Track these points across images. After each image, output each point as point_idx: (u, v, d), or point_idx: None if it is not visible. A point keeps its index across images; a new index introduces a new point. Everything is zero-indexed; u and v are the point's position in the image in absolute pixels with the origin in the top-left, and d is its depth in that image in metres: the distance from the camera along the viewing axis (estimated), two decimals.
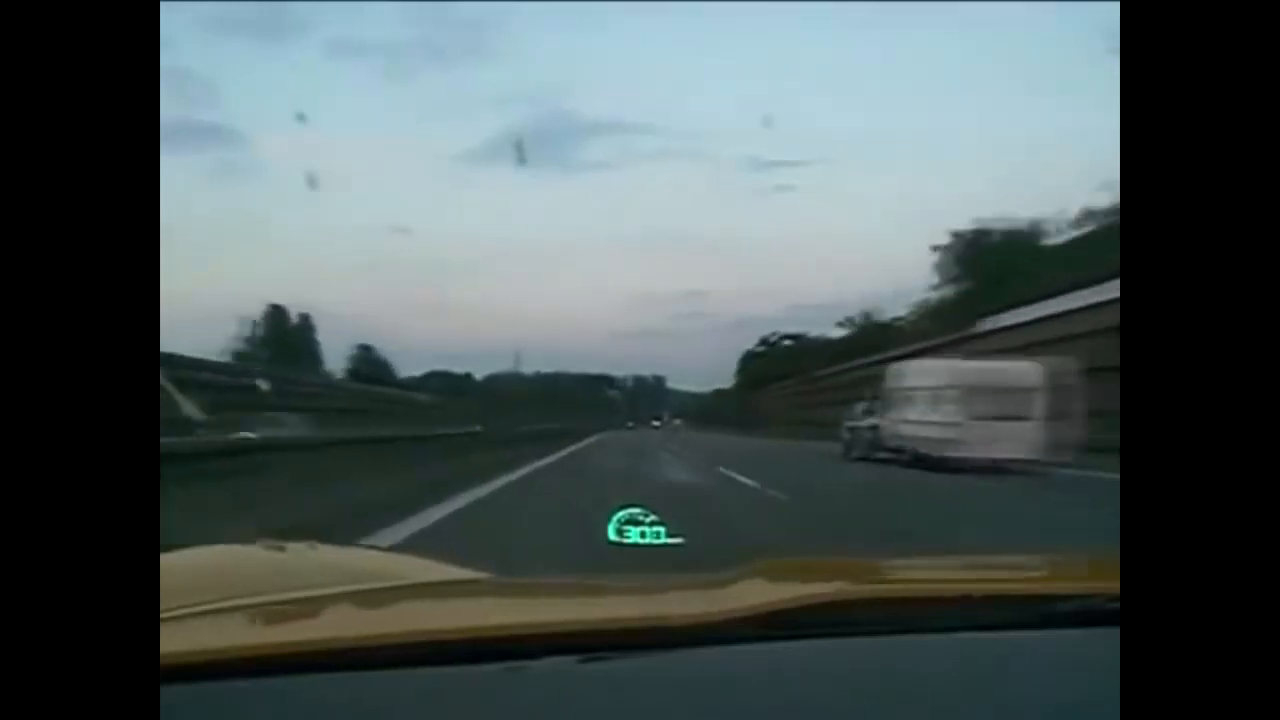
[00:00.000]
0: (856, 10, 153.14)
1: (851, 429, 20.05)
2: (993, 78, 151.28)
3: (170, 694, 0.68)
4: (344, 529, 5.91)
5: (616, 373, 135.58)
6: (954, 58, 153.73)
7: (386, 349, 76.86)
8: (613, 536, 1.59)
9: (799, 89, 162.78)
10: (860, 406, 19.95)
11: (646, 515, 1.61)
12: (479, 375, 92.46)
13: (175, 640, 0.76)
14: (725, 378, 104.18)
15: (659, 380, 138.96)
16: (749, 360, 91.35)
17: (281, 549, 1.42)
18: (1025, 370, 14.94)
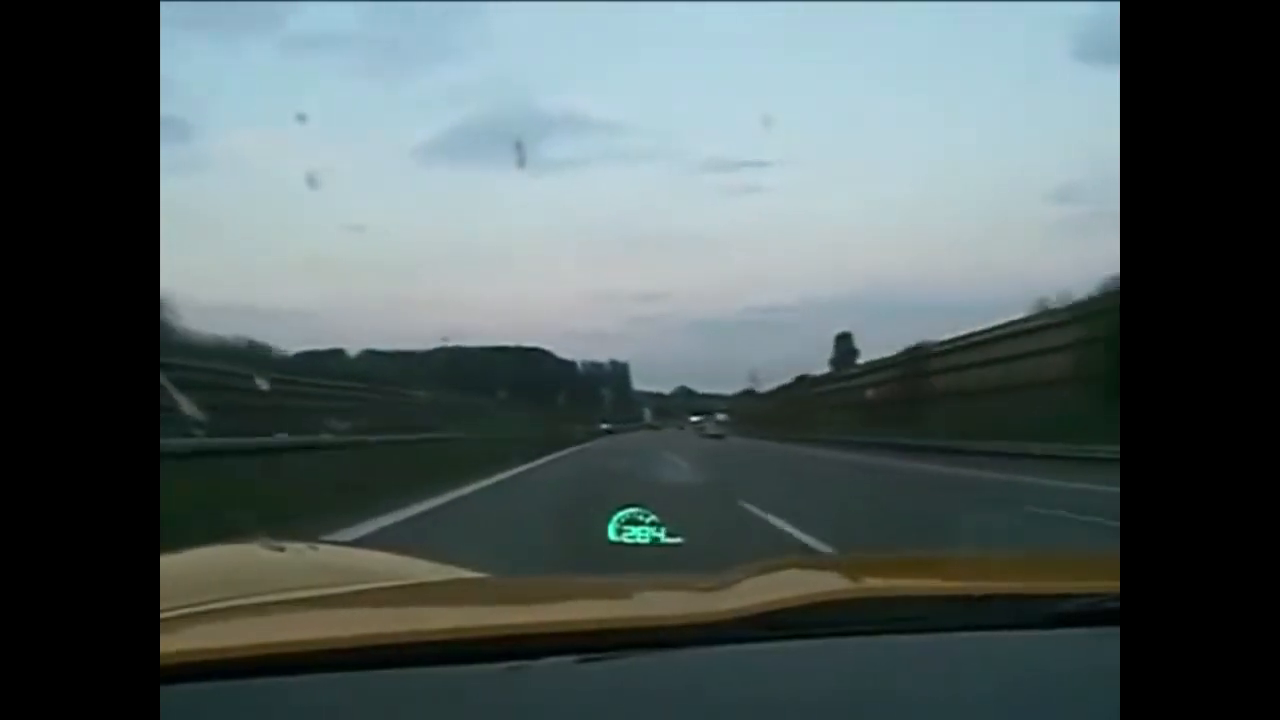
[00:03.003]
0: (826, 12, 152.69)
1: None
2: (960, 81, 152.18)
3: (170, 694, 0.68)
4: None
5: (564, 353, 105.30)
6: (921, 61, 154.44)
7: (339, 345, 64.14)
8: (613, 536, 1.59)
9: (766, 91, 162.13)
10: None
11: (646, 515, 1.61)
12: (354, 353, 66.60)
13: (175, 640, 0.76)
14: (736, 382, 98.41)
15: (619, 367, 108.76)
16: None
17: (281, 549, 1.42)
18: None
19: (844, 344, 65.02)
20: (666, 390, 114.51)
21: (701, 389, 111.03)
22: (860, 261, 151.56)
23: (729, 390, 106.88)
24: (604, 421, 64.97)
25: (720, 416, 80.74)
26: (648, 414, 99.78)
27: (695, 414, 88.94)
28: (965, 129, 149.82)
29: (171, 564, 0.99)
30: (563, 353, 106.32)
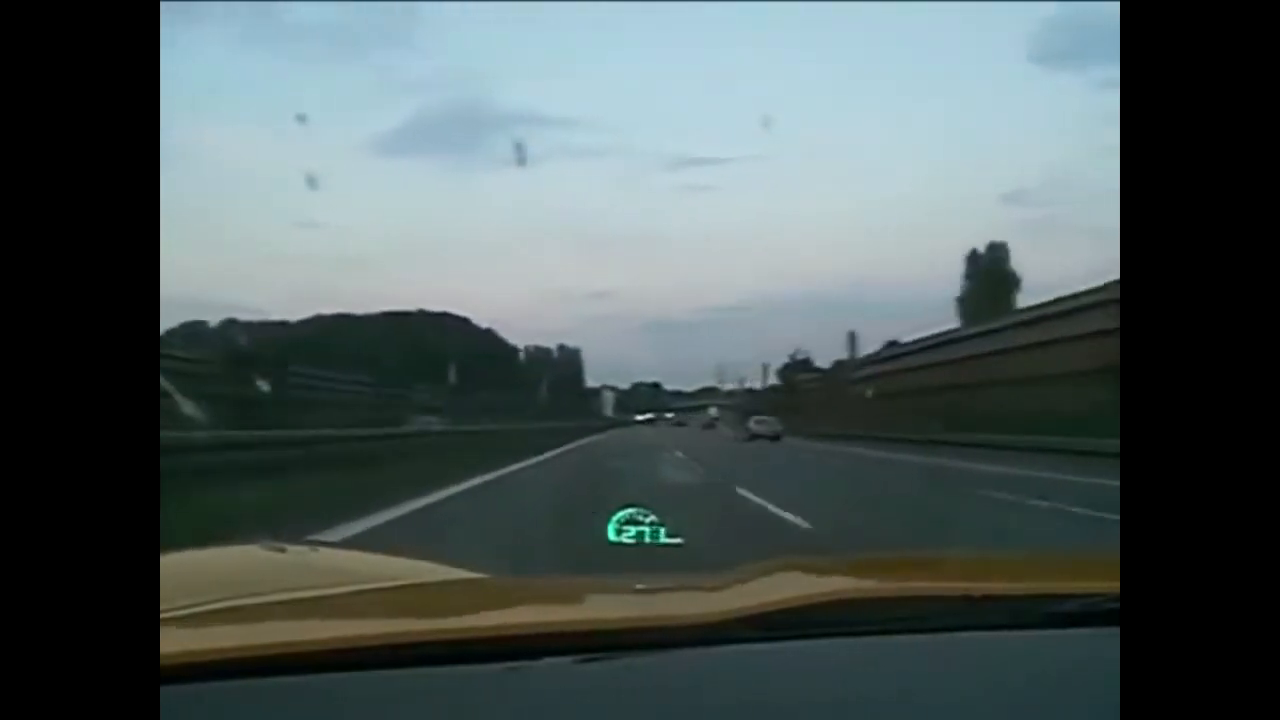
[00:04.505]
0: (778, 10, 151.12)
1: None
2: (914, 80, 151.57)
3: (170, 694, 0.68)
4: None
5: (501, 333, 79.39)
6: (875, 60, 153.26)
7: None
8: (613, 536, 1.59)
9: (721, 90, 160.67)
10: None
11: (646, 515, 1.61)
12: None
13: (175, 640, 0.76)
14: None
15: (568, 353, 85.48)
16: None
17: (282, 549, 1.42)
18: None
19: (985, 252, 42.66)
20: (623, 385, 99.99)
21: (664, 386, 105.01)
22: (820, 260, 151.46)
23: (690, 387, 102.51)
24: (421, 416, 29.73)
25: (713, 411, 71.89)
26: (609, 404, 79.58)
27: (642, 412, 76.31)
28: (920, 130, 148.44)
29: (171, 564, 0.99)
30: (494, 329, 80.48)
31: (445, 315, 72.33)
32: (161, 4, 0.79)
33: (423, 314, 70.60)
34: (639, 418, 68.62)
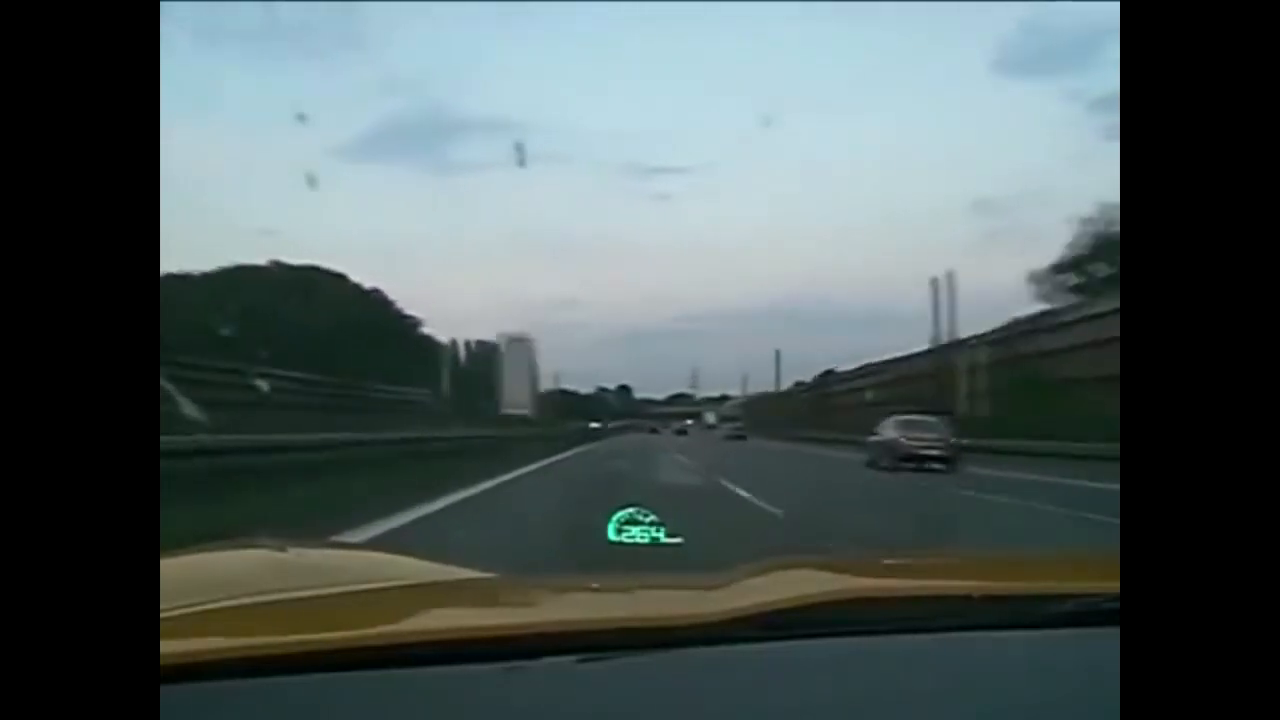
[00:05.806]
0: (750, 19, 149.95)
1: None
2: (885, 89, 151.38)
3: (170, 694, 0.68)
4: None
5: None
6: (846, 68, 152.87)
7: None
8: (613, 536, 1.59)
9: (683, 94, 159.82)
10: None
11: (646, 515, 1.61)
12: None
13: (175, 640, 0.76)
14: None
15: (519, 346, 61.11)
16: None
17: (282, 549, 1.42)
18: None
19: None
20: (585, 389, 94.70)
21: (634, 394, 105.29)
22: (791, 270, 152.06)
23: (660, 394, 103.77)
24: None
25: (710, 418, 66.81)
26: (511, 399, 53.49)
27: (596, 421, 64.13)
28: (892, 138, 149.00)
29: (172, 564, 1.00)
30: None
31: (314, 270, 48.31)
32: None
33: (280, 268, 48.00)
34: (594, 425, 56.71)
